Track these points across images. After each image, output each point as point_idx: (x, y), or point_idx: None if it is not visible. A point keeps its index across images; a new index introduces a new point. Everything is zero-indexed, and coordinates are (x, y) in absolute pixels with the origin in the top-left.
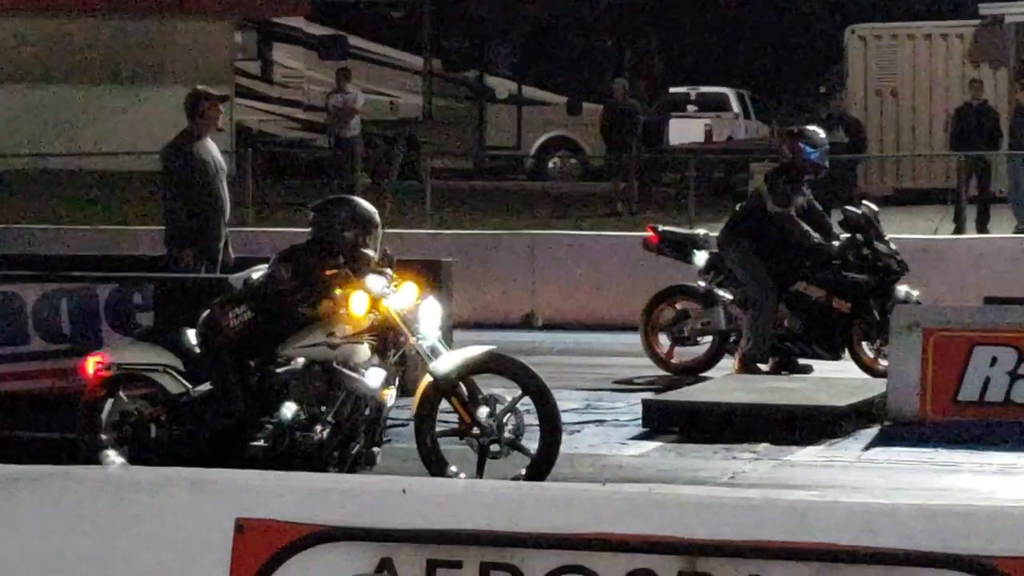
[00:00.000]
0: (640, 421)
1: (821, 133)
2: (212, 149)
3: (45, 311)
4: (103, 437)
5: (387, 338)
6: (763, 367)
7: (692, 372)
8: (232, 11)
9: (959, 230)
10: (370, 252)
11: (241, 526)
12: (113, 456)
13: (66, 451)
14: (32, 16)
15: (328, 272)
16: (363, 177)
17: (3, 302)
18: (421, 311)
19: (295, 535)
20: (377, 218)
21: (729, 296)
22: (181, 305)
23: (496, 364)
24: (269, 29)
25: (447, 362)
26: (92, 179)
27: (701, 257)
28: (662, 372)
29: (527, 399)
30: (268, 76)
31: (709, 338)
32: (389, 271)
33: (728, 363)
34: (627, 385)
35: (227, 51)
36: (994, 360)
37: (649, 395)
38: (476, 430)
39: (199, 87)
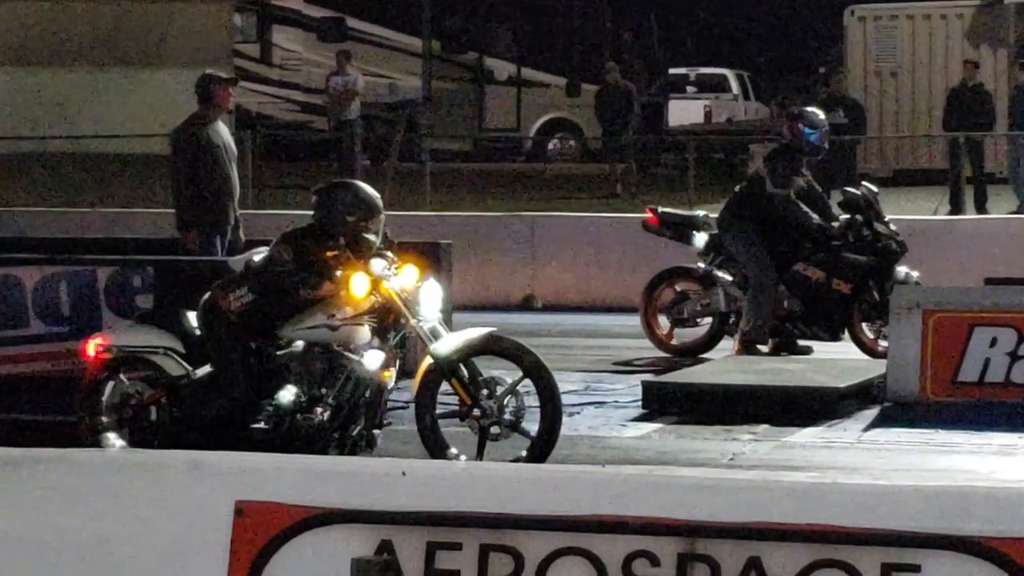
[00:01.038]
0: (640, 403)
1: (820, 114)
2: (223, 132)
3: (45, 294)
4: (104, 419)
5: (387, 320)
6: (763, 348)
7: (692, 353)
8: None
9: (956, 211)
10: (372, 237)
11: (241, 509)
12: (113, 439)
13: (65, 434)
14: None
15: (329, 254)
16: (363, 159)
17: (2, 285)
18: (422, 293)
19: (295, 517)
20: (380, 203)
21: (729, 277)
22: (181, 288)
23: (497, 346)
24: (268, 11)
25: (447, 344)
26: (92, 162)
27: (701, 238)
28: (662, 354)
29: (527, 381)
30: (267, 58)
31: (709, 319)
32: (390, 253)
33: (728, 344)
34: (627, 367)
35: (226, 33)
36: (994, 341)
37: (649, 377)
38: (476, 412)
39: (209, 71)
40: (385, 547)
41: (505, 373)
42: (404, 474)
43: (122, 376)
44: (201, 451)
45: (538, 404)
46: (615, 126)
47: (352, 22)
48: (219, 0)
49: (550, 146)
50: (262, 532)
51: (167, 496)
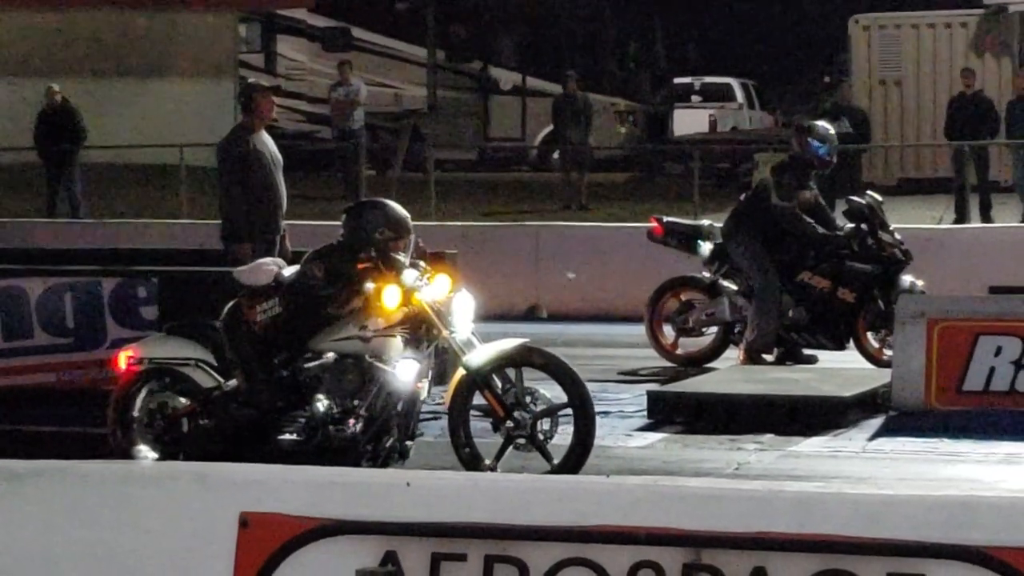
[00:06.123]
0: (645, 412)
1: (830, 128)
2: (268, 142)
3: (48, 305)
4: (135, 431)
5: (420, 331)
6: (768, 358)
7: (697, 363)
8: (236, 4)
9: (961, 220)
10: (401, 257)
11: (246, 520)
12: (145, 451)
13: (70, 446)
14: (36, 10)
15: (360, 266)
16: (367, 169)
17: (6, 296)
18: (454, 304)
19: (300, 529)
20: (409, 223)
21: (734, 287)
22: (185, 299)
23: (530, 357)
24: (273, 21)
25: (480, 355)
26: (96, 172)
27: (706, 248)
28: (667, 363)
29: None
30: (272, 68)
31: (714, 329)
32: (421, 263)
33: (733, 354)
34: (632, 376)
35: (231, 44)
36: (999, 349)
37: (654, 386)
38: (510, 423)
39: (251, 80)
40: (390, 558)
41: (539, 383)
42: (408, 485)
43: (154, 388)
44: (206, 462)
45: (570, 414)
46: (573, 136)
47: (357, 32)
48: (224, 10)
49: (554, 155)
50: (267, 543)
51: (172, 507)
